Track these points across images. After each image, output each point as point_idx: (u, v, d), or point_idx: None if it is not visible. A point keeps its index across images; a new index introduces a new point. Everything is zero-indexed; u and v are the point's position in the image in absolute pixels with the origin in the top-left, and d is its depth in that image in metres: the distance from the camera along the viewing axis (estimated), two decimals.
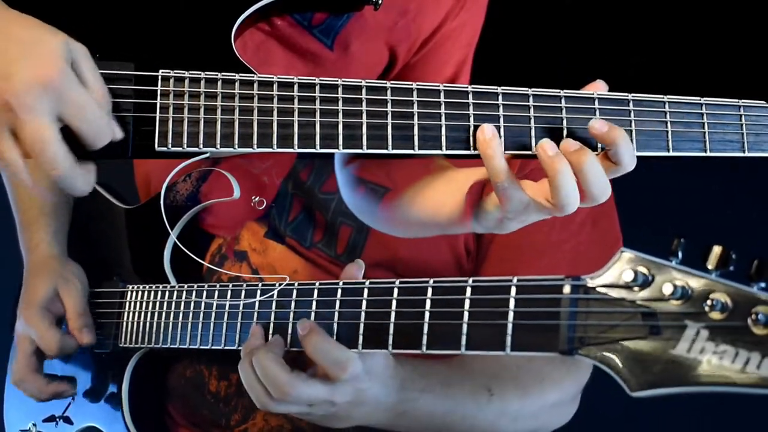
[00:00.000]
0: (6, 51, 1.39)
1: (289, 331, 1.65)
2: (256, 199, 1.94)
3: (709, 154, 1.61)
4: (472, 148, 1.58)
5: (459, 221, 1.70)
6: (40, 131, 1.39)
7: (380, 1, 1.68)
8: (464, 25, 1.94)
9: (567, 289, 1.32)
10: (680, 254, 1.24)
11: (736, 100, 1.61)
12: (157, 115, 1.56)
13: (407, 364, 1.75)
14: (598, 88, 1.58)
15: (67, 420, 2.06)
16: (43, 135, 1.40)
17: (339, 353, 1.57)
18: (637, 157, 1.57)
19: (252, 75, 1.58)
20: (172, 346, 1.84)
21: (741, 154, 1.62)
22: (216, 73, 1.57)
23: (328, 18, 1.82)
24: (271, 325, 1.67)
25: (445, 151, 1.58)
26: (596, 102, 1.59)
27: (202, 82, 1.57)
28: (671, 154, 1.60)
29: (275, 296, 1.67)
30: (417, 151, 1.58)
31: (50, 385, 2.03)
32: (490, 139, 1.53)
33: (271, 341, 1.64)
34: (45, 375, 2.04)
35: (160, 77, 1.57)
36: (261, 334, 1.67)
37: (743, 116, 1.61)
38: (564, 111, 1.59)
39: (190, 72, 1.57)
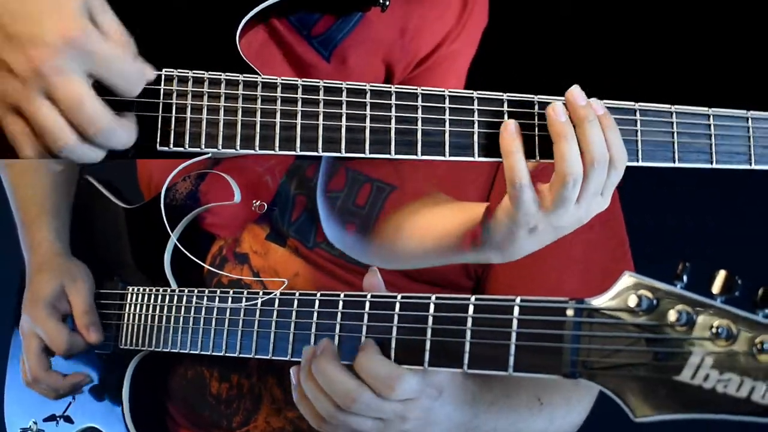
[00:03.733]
0: (27, 15, 1.39)
1: (290, 340, 1.64)
2: (257, 203, 1.93)
3: (715, 165, 1.60)
4: (475, 155, 1.57)
5: (461, 244, 1.69)
6: (74, 89, 1.40)
7: (387, 3, 1.67)
8: (461, 51, 1.94)
9: (570, 311, 1.31)
10: (685, 279, 1.24)
11: (744, 111, 1.60)
12: (159, 114, 1.55)
13: (472, 378, 1.69)
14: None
15: (68, 419, 2.06)
16: (77, 92, 1.40)
17: (388, 370, 1.50)
18: (643, 168, 1.57)
19: (256, 76, 1.57)
20: (172, 350, 1.84)
21: (747, 167, 1.61)
22: (219, 74, 1.56)
23: (328, 30, 1.82)
24: (272, 335, 1.66)
25: (448, 158, 1.57)
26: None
27: (206, 83, 1.56)
28: (677, 165, 1.59)
29: (276, 305, 1.66)
30: (420, 157, 1.57)
31: (66, 379, 2.02)
32: (514, 135, 1.53)
33: (325, 348, 1.56)
34: (57, 372, 2.03)
35: (163, 77, 1.55)
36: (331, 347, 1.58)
37: (751, 128, 1.60)
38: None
39: (194, 72, 1.56)
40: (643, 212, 2.17)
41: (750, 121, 1.60)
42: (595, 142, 1.51)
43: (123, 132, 1.48)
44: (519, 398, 1.82)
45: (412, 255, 1.79)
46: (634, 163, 1.58)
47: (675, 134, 1.58)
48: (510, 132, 1.53)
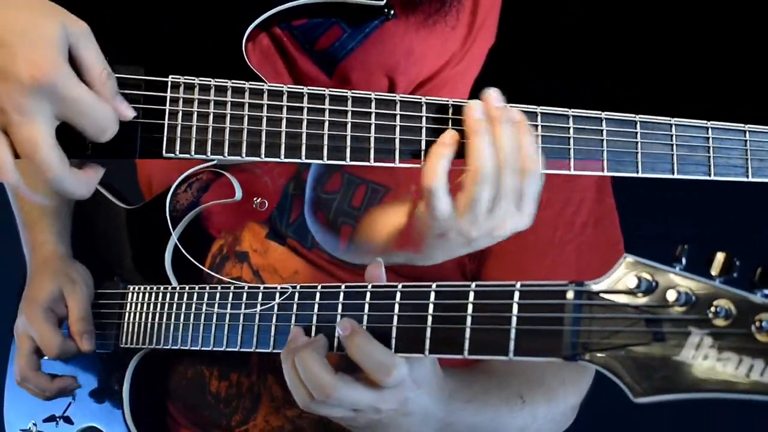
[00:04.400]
0: (4, 44, 1.38)
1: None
2: (258, 200, 1.94)
3: (713, 177, 1.62)
4: None
5: (392, 245, 1.72)
6: (31, 133, 1.39)
7: (393, 12, 1.69)
8: (463, 73, 1.95)
9: (570, 294, 1.31)
10: (684, 260, 1.25)
11: (742, 125, 1.62)
12: (166, 122, 1.57)
13: (452, 374, 1.71)
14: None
15: (68, 420, 2.05)
16: (34, 137, 1.39)
17: (383, 356, 1.52)
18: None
19: (262, 84, 1.58)
20: (173, 347, 1.84)
21: (744, 179, 1.63)
22: (226, 81, 1.58)
23: (331, 45, 1.83)
24: (273, 328, 1.66)
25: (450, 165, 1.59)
26: (603, 123, 1.59)
27: (212, 90, 1.58)
28: (676, 177, 1.61)
29: (276, 299, 1.67)
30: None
31: (54, 382, 2.01)
32: (448, 143, 1.55)
33: (314, 340, 1.58)
34: (46, 373, 2.03)
35: (169, 83, 1.57)
36: (302, 335, 1.61)
37: (748, 141, 1.62)
38: (572, 131, 1.59)
39: (200, 79, 1.58)
40: (641, 195, 2.17)
41: (747, 134, 1.62)
42: (505, 143, 1.52)
43: (75, 185, 1.47)
44: (499, 396, 1.83)
45: (368, 254, 1.80)
46: (634, 174, 1.60)
47: (674, 146, 1.61)
48: (445, 138, 1.56)
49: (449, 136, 1.55)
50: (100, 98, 1.46)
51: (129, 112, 1.51)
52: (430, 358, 1.55)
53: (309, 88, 1.59)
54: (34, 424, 2.10)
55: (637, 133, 1.60)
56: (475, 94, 1.83)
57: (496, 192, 1.52)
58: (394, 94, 1.59)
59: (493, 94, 1.55)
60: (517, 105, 1.59)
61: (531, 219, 1.57)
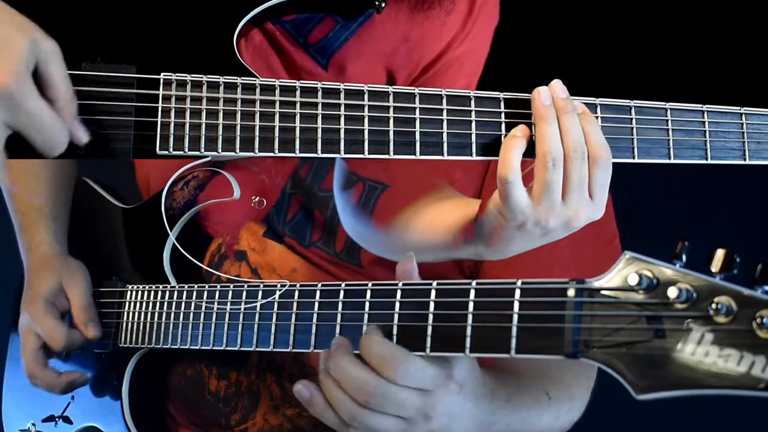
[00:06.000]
0: None
1: (291, 331, 1.63)
2: (256, 199, 1.94)
3: (710, 161, 1.61)
4: (473, 154, 1.59)
5: (457, 239, 1.71)
6: None
7: (383, 5, 1.68)
8: (468, 54, 1.94)
9: (571, 292, 1.31)
10: (684, 257, 1.25)
11: (738, 108, 1.62)
12: (159, 119, 1.56)
13: (489, 373, 1.69)
14: None
15: (67, 420, 2.05)
16: None
17: (390, 350, 1.49)
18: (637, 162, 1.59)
19: (254, 79, 1.58)
20: (172, 346, 1.84)
21: (742, 162, 1.62)
22: (218, 77, 1.57)
23: (324, 38, 1.82)
24: (273, 326, 1.66)
25: (446, 157, 1.58)
26: (598, 109, 1.59)
27: (204, 87, 1.57)
28: (672, 161, 1.60)
29: (277, 298, 1.66)
30: (418, 157, 1.58)
31: (62, 377, 2.01)
32: (520, 135, 1.56)
33: (339, 344, 1.54)
34: (53, 369, 2.03)
35: (162, 81, 1.56)
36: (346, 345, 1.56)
37: (745, 124, 1.62)
38: None
39: (192, 75, 1.57)
40: (641, 191, 2.18)
41: (743, 117, 1.62)
42: (572, 131, 1.53)
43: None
44: (530, 393, 1.83)
45: (419, 249, 1.79)
46: (630, 160, 1.60)
47: (670, 131, 1.60)
48: (516, 131, 1.57)
49: (520, 129, 1.57)
50: (57, 116, 1.47)
51: (84, 137, 1.52)
52: (470, 357, 1.54)
53: (301, 81, 1.58)
54: (33, 424, 2.10)
55: (632, 119, 1.60)
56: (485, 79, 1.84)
57: (567, 179, 1.54)
58: (387, 86, 1.59)
59: (556, 86, 1.57)
60: (511, 93, 1.59)
61: (603, 208, 1.58)
